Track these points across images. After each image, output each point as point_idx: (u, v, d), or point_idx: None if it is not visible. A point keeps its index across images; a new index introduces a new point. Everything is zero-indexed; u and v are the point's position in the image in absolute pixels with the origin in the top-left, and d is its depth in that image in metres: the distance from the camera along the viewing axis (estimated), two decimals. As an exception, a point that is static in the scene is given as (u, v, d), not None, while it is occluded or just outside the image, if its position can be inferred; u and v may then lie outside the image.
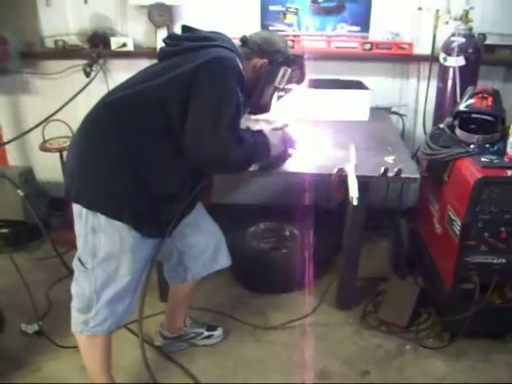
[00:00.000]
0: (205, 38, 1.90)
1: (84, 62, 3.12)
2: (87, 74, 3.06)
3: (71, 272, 1.93)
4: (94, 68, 3.09)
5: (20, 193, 2.09)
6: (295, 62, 2.06)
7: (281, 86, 2.07)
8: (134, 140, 1.72)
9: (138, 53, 3.15)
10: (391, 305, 2.61)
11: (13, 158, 3.53)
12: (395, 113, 3.22)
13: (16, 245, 3.15)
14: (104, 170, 1.72)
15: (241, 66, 1.83)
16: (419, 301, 2.62)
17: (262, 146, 1.93)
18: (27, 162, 3.51)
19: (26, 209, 3.16)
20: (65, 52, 3.20)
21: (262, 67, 1.99)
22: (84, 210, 1.75)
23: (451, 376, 2.28)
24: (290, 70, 2.04)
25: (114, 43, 3.13)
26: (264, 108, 2.12)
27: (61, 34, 3.20)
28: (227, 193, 3.46)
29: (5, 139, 3.27)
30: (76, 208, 1.78)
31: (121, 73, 3.13)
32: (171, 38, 1.98)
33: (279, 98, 2.13)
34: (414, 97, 3.23)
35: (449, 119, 2.49)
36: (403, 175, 2.14)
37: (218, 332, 2.49)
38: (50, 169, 3.34)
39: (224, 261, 2.26)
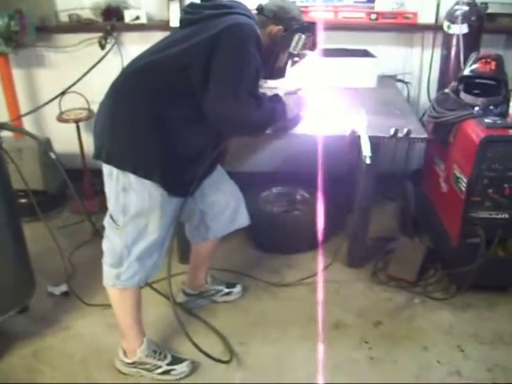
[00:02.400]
0: (223, 5, 1.98)
1: (98, 35, 3.19)
2: (102, 47, 3.13)
3: (97, 233, 2.03)
4: (108, 41, 3.16)
5: (52, 155, 2.19)
6: (309, 29, 2.13)
7: (295, 52, 2.13)
8: (160, 103, 1.81)
9: (151, 25, 3.23)
10: (400, 262, 2.74)
11: (29, 130, 3.56)
12: (400, 80, 3.31)
13: (35, 214, 3.25)
14: (134, 133, 1.82)
15: (259, 32, 1.91)
16: (426, 257, 2.76)
17: (279, 108, 2.03)
18: (43, 134, 3.59)
19: (45, 179, 3.27)
20: (79, 25, 3.27)
21: (277, 34, 2.06)
22: (115, 170, 1.85)
23: (458, 326, 2.42)
24: (304, 37, 2.11)
25: (128, 16, 3.20)
26: (279, 73, 2.20)
27: (75, 8, 3.27)
28: (239, 161, 3.56)
29: (21, 112, 3.34)
30: (106, 169, 1.88)
31: (134, 45, 3.21)
32: (191, 7, 2.06)
33: (294, 63, 2.21)
34: (419, 65, 3.33)
35: (453, 84, 2.60)
36: (412, 135, 2.26)
37: (237, 289, 2.63)
38: (65, 140, 3.43)
39: (243, 220, 2.37)
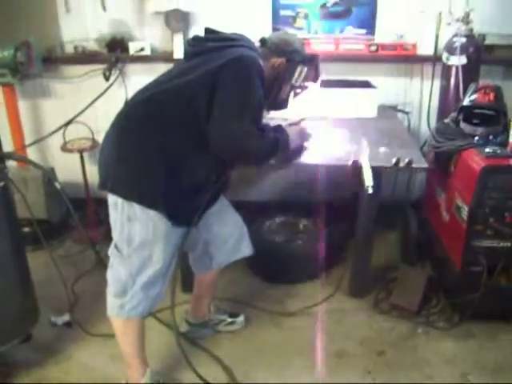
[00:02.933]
0: (227, 38, 2.03)
1: (102, 66, 3.25)
2: (107, 78, 3.18)
3: (100, 261, 2.04)
4: (112, 72, 3.21)
5: (57, 185, 2.22)
6: (311, 61, 2.18)
7: (297, 84, 2.18)
8: (165, 133, 1.84)
9: (155, 57, 3.29)
10: (402, 291, 2.74)
11: (34, 159, 3.60)
12: (401, 110, 3.35)
13: (38, 243, 3.26)
14: (138, 162, 1.84)
15: (261, 64, 1.96)
16: (428, 286, 2.76)
17: (281, 139, 2.05)
18: (47, 163, 3.62)
19: (48, 208, 3.28)
20: (84, 57, 3.34)
21: (280, 66, 2.10)
22: (120, 201, 1.86)
23: (461, 355, 2.41)
24: (305, 69, 2.16)
25: (132, 48, 3.26)
26: (282, 105, 2.24)
27: (80, 40, 3.34)
28: (242, 190, 3.58)
29: (26, 142, 3.38)
30: (112, 199, 1.89)
31: (138, 76, 3.27)
32: (195, 40, 2.10)
33: (296, 95, 2.25)
34: (419, 95, 3.38)
35: (453, 114, 2.64)
36: (413, 165, 2.28)
37: (240, 318, 2.61)
38: (69, 170, 3.45)
39: (246, 250, 2.37)
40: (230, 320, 2.60)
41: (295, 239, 3.04)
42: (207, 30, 2.15)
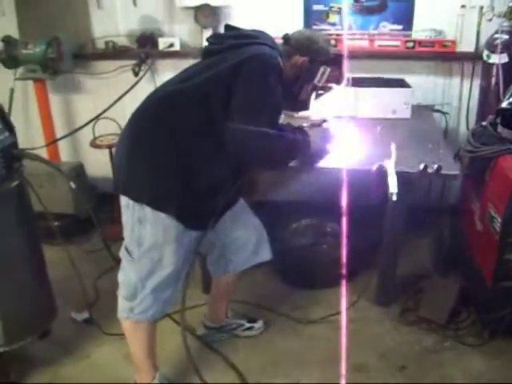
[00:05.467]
0: (247, 35, 1.96)
1: (132, 62, 3.25)
2: (136, 74, 3.17)
3: (118, 262, 2.02)
4: (142, 68, 3.20)
5: (72, 185, 2.20)
6: (335, 62, 2.09)
7: (320, 84, 2.09)
8: (180, 134, 1.79)
9: (185, 53, 3.24)
10: (431, 302, 2.61)
11: (64, 154, 3.67)
12: (438, 111, 3.20)
13: (66, 237, 3.29)
14: (150, 164, 1.80)
15: (281, 63, 1.88)
16: (459, 299, 2.61)
17: (302, 142, 1.97)
18: (78, 158, 3.65)
19: (76, 203, 3.30)
20: (114, 52, 3.33)
21: (302, 65, 2.01)
22: (131, 202, 1.83)
23: (488, 374, 2.26)
24: (329, 70, 2.06)
25: (162, 43, 3.23)
26: (303, 105, 2.16)
27: (111, 36, 3.33)
28: (270, 190, 3.50)
29: (57, 136, 3.40)
30: (123, 200, 1.86)
31: (168, 72, 3.19)
32: (215, 37, 2.06)
33: (318, 96, 2.16)
34: (458, 95, 3.22)
35: (491, 117, 2.48)
36: (443, 172, 2.15)
37: (259, 324, 2.55)
38: (99, 165, 3.47)
39: (265, 254, 2.30)
40: (248, 325, 2.53)
41: (321, 243, 2.96)
42: (227, 27, 2.10)
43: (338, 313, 2.56)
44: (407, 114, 2.93)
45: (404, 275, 2.85)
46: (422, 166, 2.15)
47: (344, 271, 2.66)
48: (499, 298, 2.28)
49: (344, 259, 2.64)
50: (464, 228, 2.81)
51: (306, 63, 2.02)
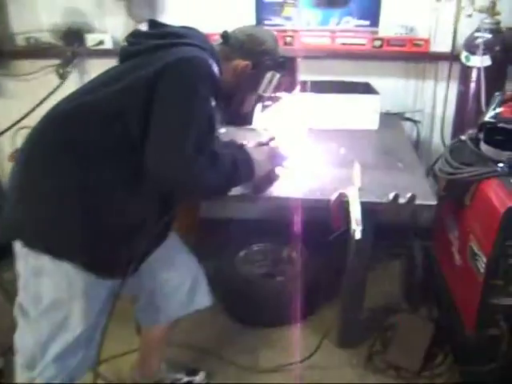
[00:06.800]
0: (172, 34, 1.61)
1: (59, 61, 2.82)
2: (60, 76, 2.74)
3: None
4: (68, 69, 2.77)
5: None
6: (285, 66, 1.76)
7: (266, 94, 1.77)
8: (86, 163, 1.43)
9: (117, 51, 2.70)
10: (402, 345, 2.28)
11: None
12: (409, 119, 2.87)
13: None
14: (48, 201, 1.43)
15: (215, 68, 1.54)
16: (434, 339, 2.28)
17: (243, 165, 1.61)
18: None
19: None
20: (37, 50, 2.88)
21: (244, 70, 1.69)
22: (24, 250, 1.44)
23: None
24: (278, 76, 1.74)
25: (90, 40, 2.81)
26: (245, 119, 1.84)
27: (32, 31, 2.87)
28: (215, 206, 3.10)
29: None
30: (16, 246, 1.47)
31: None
32: (134, 36, 1.69)
33: (264, 108, 1.84)
34: (431, 101, 2.87)
35: (472, 131, 2.12)
36: (417, 202, 1.78)
37: (200, 377, 2.18)
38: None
39: (203, 300, 1.96)
40: (186, 379, 2.15)
41: (276, 272, 2.58)
42: (151, 23, 1.71)
43: (294, 363, 2.20)
44: (374, 125, 2.55)
45: (370, 307, 2.50)
46: (391, 196, 1.76)
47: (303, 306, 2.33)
48: (483, 349, 1.92)
49: (304, 292, 2.31)
50: (439, 257, 2.45)
51: (248, 68, 1.69)
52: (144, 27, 1.74)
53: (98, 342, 1.60)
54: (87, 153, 1.42)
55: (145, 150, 1.39)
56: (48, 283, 1.47)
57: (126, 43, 1.69)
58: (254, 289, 2.48)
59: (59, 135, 1.45)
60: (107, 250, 1.49)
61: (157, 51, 1.52)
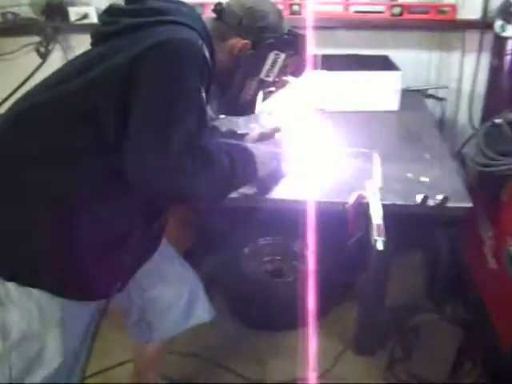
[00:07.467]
0: (154, 10, 1.35)
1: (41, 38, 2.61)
2: (41, 55, 2.52)
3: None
4: (50, 46, 2.55)
5: None
6: (292, 45, 1.51)
7: (269, 79, 1.53)
8: (54, 168, 1.22)
9: (103, 26, 2.58)
10: (425, 353, 2.12)
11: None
12: (432, 96, 2.64)
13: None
14: (10, 217, 1.24)
15: (206, 51, 1.30)
16: (462, 347, 2.09)
17: (242, 163, 1.40)
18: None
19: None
20: (16, 27, 2.66)
21: (242, 51, 1.46)
22: None
23: None
24: (283, 56, 1.50)
25: (74, 14, 2.59)
26: (246, 108, 1.61)
27: (10, 5, 2.65)
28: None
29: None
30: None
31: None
32: (109, 13, 1.42)
33: (267, 95, 1.60)
34: (458, 76, 2.67)
35: (509, 113, 1.88)
36: (450, 204, 1.53)
37: (201, 393, 2.00)
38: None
39: (202, 315, 1.78)
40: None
41: (286, 268, 2.40)
42: None
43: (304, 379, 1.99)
44: (395, 105, 2.32)
45: (390, 307, 2.27)
46: (419, 198, 1.51)
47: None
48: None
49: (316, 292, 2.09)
50: (468, 256, 2.22)
51: (247, 48, 1.46)
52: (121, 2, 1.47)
53: (79, 375, 1.43)
54: (56, 157, 1.22)
55: (123, 152, 1.16)
56: (15, 313, 1.29)
57: (100, 22, 1.45)
58: (261, 290, 2.30)
59: (18, 140, 1.24)
60: (85, 270, 1.28)
61: (135, 32, 1.28)
